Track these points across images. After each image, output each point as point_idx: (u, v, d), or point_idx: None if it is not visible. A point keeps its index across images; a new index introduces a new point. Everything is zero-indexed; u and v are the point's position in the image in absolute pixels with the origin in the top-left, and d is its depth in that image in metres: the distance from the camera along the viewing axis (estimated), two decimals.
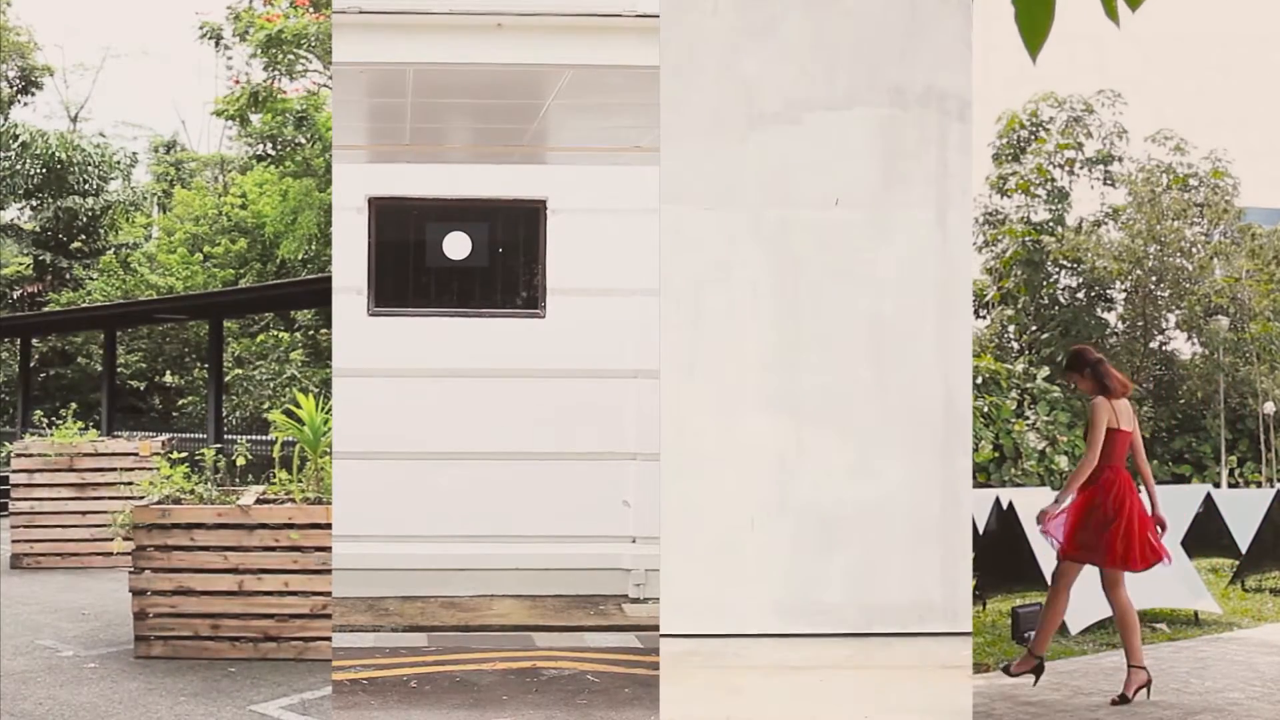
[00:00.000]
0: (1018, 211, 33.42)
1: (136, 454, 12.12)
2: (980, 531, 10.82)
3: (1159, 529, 6.77)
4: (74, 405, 14.04)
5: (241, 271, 30.87)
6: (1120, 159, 33.45)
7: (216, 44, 27.21)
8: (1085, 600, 8.98)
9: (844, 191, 5.32)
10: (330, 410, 7.25)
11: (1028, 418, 27.36)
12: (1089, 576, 6.88)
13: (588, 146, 7.06)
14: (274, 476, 8.40)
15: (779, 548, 5.31)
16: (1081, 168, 33.58)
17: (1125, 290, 32.91)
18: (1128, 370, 31.13)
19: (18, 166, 31.20)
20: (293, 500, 7.91)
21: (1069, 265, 32.77)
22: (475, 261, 7.00)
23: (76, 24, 65.29)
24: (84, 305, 28.84)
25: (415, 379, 6.99)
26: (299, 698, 6.70)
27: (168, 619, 7.65)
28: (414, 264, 7.03)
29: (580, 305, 6.98)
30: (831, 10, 5.34)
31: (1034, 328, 32.91)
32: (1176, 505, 13.71)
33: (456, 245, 6.96)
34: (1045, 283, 32.68)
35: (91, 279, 31.68)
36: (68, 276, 32.71)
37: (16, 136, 31.34)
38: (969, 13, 5.32)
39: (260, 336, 28.89)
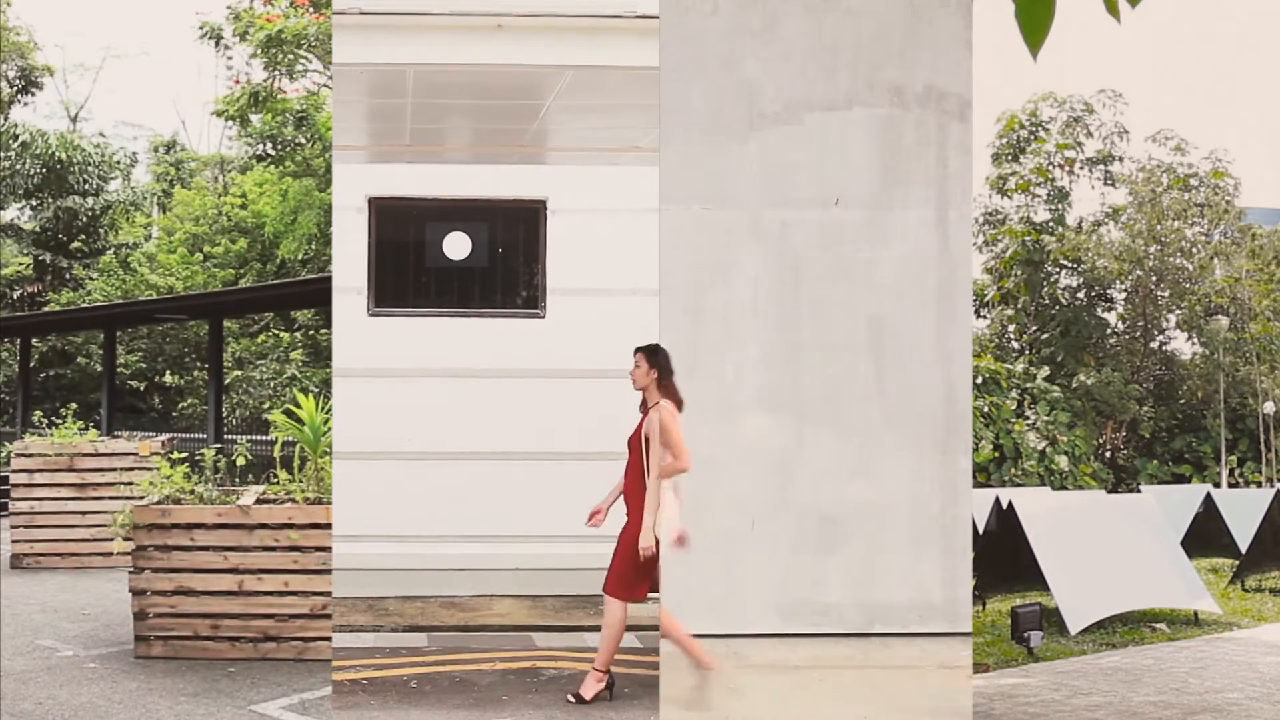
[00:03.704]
0: (1018, 211, 33.38)
1: (136, 454, 12.11)
2: (980, 531, 10.83)
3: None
4: (74, 405, 14.04)
5: (241, 271, 30.84)
6: (1120, 159, 33.41)
7: (216, 44, 27.17)
8: (1085, 600, 9.00)
9: (844, 191, 5.32)
10: (330, 410, 7.25)
11: (1028, 418, 27.36)
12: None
13: (588, 146, 7.06)
14: (274, 476, 8.40)
15: (779, 548, 5.32)
16: (1081, 168, 33.53)
17: (1125, 290, 32.88)
18: (1127, 370, 31.12)
19: (18, 166, 31.21)
20: (293, 500, 7.90)
21: (1069, 265, 32.74)
22: (475, 261, 7.00)
23: (76, 24, 65.31)
24: (84, 305, 28.83)
25: (415, 379, 6.99)
26: (299, 698, 6.69)
27: (168, 619, 7.65)
28: (414, 264, 7.03)
29: (580, 305, 6.97)
30: (831, 10, 5.34)
31: (1034, 328, 32.88)
32: (1176, 505, 13.76)
33: (456, 245, 6.96)
34: (1045, 283, 32.64)
35: (91, 279, 31.68)
36: (68, 276, 32.71)
37: (16, 136, 31.35)
38: (969, 13, 5.32)
39: (260, 336, 28.88)
